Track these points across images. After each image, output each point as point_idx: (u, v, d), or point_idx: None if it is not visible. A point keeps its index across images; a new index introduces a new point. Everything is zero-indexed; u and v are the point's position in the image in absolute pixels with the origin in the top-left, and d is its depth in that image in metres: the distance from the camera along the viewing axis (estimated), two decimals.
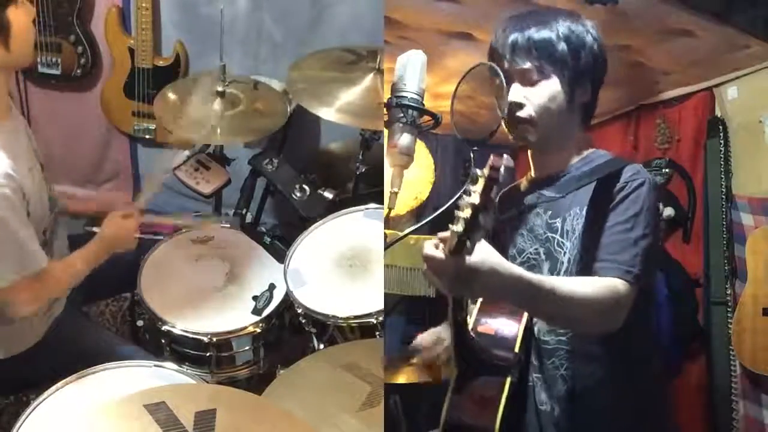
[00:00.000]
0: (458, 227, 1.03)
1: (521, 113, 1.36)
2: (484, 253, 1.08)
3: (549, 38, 1.34)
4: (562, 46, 1.34)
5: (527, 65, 1.35)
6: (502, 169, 0.99)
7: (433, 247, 1.12)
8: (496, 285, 1.10)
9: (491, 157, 1.01)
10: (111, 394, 1.63)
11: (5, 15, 1.57)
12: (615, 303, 1.23)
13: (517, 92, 1.36)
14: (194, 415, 1.34)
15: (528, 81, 1.36)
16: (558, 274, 1.36)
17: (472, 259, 1.06)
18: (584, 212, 1.34)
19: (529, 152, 1.48)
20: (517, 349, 1.39)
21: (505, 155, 1.01)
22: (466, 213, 1.02)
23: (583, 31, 1.38)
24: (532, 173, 1.49)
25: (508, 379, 1.35)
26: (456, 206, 1.05)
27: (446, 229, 1.07)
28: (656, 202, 1.33)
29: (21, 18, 1.61)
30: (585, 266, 1.31)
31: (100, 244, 1.86)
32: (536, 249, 1.41)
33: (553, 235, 1.38)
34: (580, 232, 1.34)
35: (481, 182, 1.01)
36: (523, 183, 1.53)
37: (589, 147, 1.44)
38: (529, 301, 1.22)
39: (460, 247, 1.05)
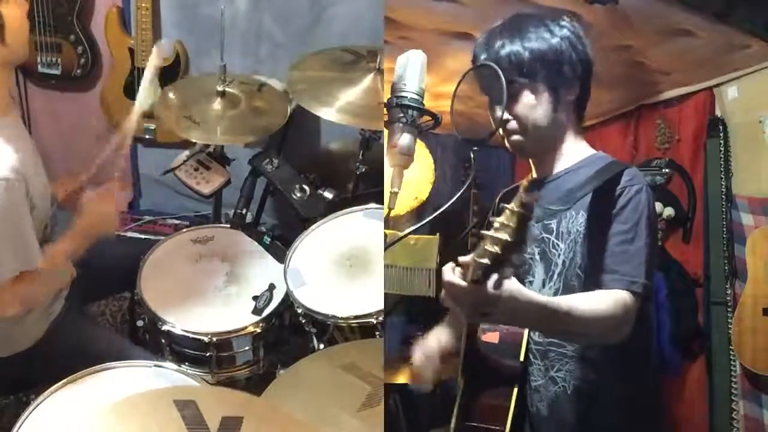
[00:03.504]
0: (484, 260, 1.00)
1: (509, 126, 1.39)
2: (505, 282, 1.06)
3: (515, 51, 1.35)
4: (527, 56, 1.35)
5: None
6: (534, 204, 0.97)
7: (453, 272, 1.09)
8: (516, 313, 1.10)
9: (521, 192, 0.97)
10: (111, 394, 1.63)
11: None
12: (624, 316, 1.25)
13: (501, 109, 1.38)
14: (220, 420, 1.34)
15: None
16: (552, 276, 1.37)
17: (494, 288, 1.04)
18: (581, 215, 1.35)
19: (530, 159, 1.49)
20: (521, 358, 1.39)
21: (534, 190, 0.97)
22: (495, 248, 0.98)
23: (548, 34, 1.37)
24: (534, 174, 1.49)
25: (515, 389, 1.35)
26: (477, 233, 1.01)
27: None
28: (653, 207, 1.35)
29: (14, 11, 1.61)
30: (587, 272, 1.32)
31: (79, 233, 1.79)
32: (531, 249, 1.41)
33: (548, 236, 1.38)
34: (578, 236, 1.34)
35: (509, 216, 0.97)
36: (524, 183, 1.52)
37: (587, 149, 1.45)
38: (546, 325, 1.24)
39: (485, 279, 1.03)
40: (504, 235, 0.97)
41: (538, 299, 1.13)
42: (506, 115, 1.37)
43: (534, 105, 1.37)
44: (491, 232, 0.98)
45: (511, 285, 1.07)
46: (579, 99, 1.43)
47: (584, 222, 1.34)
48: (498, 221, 0.98)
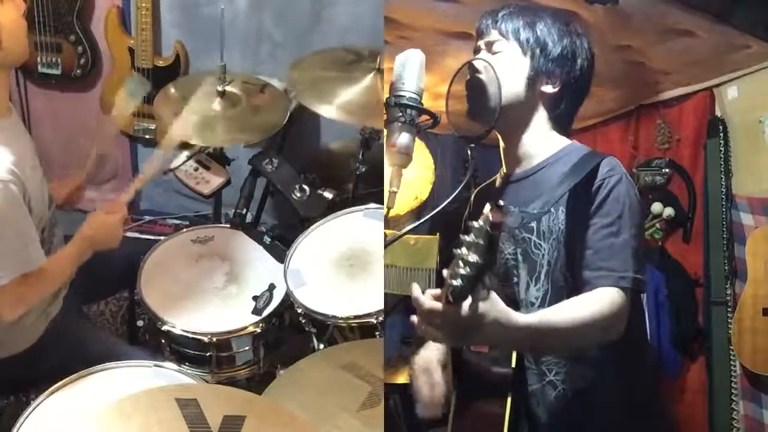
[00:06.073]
0: (457, 281, 0.99)
1: (474, 62, 1.39)
2: (487, 304, 1.05)
3: (518, 22, 1.40)
4: (527, 32, 1.38)
5: (492, 37, 1.41)
6: (505, 223, 0.96)
7: (425, 295, 1.09)
8: (499, 336, 1.09)
9: (488, 211, 0.96)
10: (110, 395, 1.63)
11: None
12: (615, 315, 1.22)
13: (478, 58, 1.41)
14: (222, 419, 1.34)
15: (491, 50, 1.42)
16: (538, 277, 1.34)
17: (470, 311, 1.03)
18: (561, 212, 1.32)
19: (500, 147, 1.47)
20: (513, 365, 1.36)
21: (503, 205, 0.97)
22: (467, 270, 0.98)
23: (558, 28, 1.39)
24: (504, 169, 1.48)
25: (509, 397, 1.33)
26: (451, 252, 1.01)
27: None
28: (636, 197, 1.32)
29: (10, 13, 1.59)
30: (573, 272, 1.30)
31: (81, 242, 1.79)
32: (513, 249, 1.39)
33: (529, 236, 1.35)
34: (561, 234, 1.32)
35: (478, 235, 0.96)
36: (498, 179, 1.52)
37: (561, 140, 1.42)
38: (532, 345, 1.23)
39: (459, 300, 1.02)
40: (474, 257, 0.96)
41: (523, 322, 1.12)
42: (477, 62, 1.38)
43: (509, 66, 1.38)
44: (461, 251, 0.98)
45: (495, 308, 1.06)
46: (558, 99, 1.40)
47: (565, 219, 1.32)
48: (466, 240, 0.97)
